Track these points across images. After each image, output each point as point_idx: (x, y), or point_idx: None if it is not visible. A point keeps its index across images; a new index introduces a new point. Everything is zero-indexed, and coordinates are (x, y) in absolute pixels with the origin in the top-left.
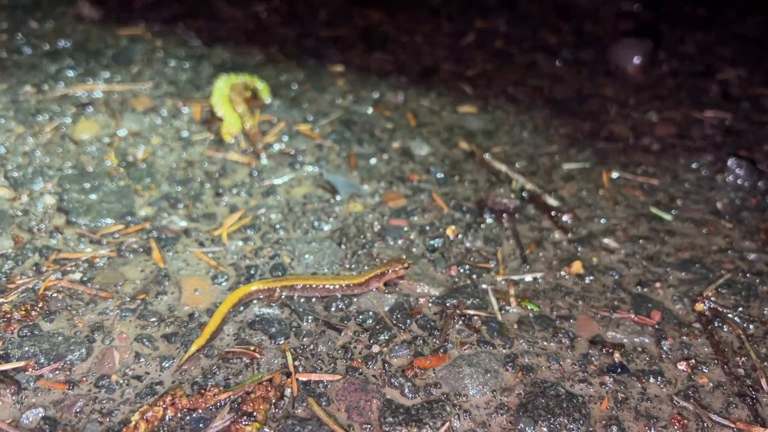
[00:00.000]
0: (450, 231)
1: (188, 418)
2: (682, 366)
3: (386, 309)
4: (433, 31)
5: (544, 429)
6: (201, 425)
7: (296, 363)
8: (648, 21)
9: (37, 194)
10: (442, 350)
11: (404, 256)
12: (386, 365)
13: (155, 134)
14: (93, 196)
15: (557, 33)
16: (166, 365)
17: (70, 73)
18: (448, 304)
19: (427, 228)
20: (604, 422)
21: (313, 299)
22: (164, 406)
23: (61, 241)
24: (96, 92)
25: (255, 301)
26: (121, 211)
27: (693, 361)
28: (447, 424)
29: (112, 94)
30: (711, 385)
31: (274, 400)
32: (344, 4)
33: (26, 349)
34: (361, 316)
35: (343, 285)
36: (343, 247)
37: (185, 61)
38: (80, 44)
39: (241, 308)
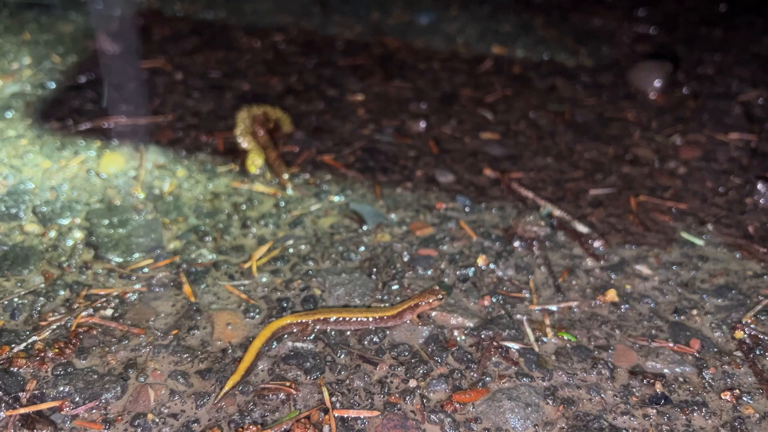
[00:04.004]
0: (481, 260)
1: None
2: (726, 396)
3: (421, 341)
4: (451, 58)
5: None
6: None
7: (333, 399)
8: (665, 43)
9: (65, 229)
10: (480, 384)
11: (437, 287)
12: (424, 400)
13: (180, 166)
14: (121, 231)
15: (575, 57)
16: (202, 402)
17: (93, 107)
18: (483, 336)
19: (457, 257)
20: None
21: (347, 332)
22: None
23: (91, 277)
24: (119, 125)
25: (287, 335)
26: (150, 245)
27: (737, 391)
28: None
29: (135, 127)
30: (757, 416)
31: None
32: (361, 33)
33: (61, 388)
34: (396, 350)
35: (377, 318)
36: (373, 277)
37: (206, 92)
38: (102, 78)
39: (274, 343)
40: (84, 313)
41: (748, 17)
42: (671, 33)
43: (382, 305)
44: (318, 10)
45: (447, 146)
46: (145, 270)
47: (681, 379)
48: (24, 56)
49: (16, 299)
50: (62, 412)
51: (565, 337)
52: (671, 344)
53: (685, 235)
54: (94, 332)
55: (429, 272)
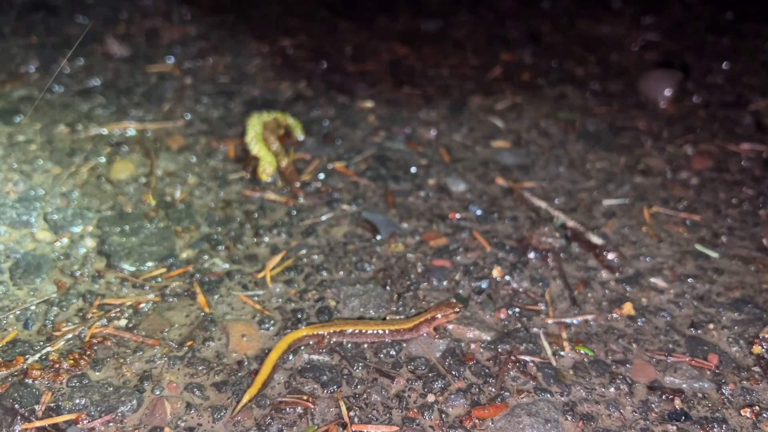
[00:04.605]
0: (496, 271)
1: None
2: (746, 413)
3: (438, 355)
4: (460, 64)
5: None
6: None
7: (351, 413)
8: (673, 51)
9: (77, 237)
10: (499, 399)
11: (454, 300)
12: (443, 415)
13: (191, 173)
14: (133, 239)
15: (584, 64)
16: (219, 416)
17: (103, 112)
18: (500, 350)
19: (472, 268)
20: None
21: (363, 345)
22: None
23: (104, 286)
24: (129, 131)
25: (302, 347)
26: (163, 253)
27: (756, 407)
28: None
29: (145, 133)
30: None
31: None
32: (369, 39)
33: (77, 400)
34: (412, 363)
35: (393, 330)
36: (388, 288)
37: (216, 97)
38: (110, 82)
39: (290, 355)
40: (98, 324)
41: (756, 25)
42: (679, 41)
43: (398, 317)
44: (325, 14)
45: (458, 154)
46: (159, 279)
47: (700, 395)
48: (31, 59)
49: (32, 307)
50: (78, 426)
51: (582, 351)
52: (689, 359)
53: (699, 248)
54: (108, 343)
55: (444, 284)
